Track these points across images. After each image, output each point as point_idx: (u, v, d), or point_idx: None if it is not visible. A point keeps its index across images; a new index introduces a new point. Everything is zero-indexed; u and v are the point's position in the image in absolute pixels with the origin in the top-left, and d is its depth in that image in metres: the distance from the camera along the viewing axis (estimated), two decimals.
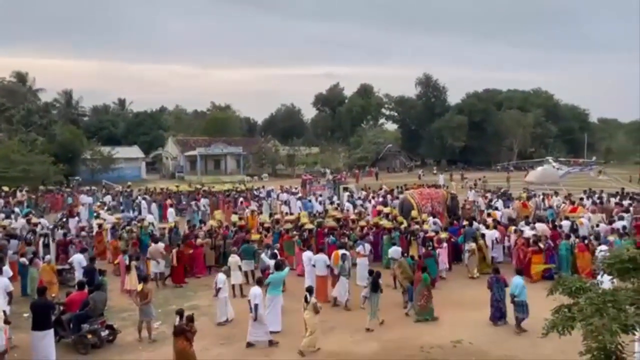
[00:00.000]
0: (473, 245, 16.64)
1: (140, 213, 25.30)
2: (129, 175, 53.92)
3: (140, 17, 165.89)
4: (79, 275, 14.60)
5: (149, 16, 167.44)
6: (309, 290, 11.37)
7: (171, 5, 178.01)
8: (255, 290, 11.31)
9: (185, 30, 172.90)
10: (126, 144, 63.21)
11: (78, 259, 15.37)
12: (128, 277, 14.70)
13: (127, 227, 19.18)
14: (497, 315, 12.45)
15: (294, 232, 18.10)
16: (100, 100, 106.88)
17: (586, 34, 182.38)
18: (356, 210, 24.48)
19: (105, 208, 26.16)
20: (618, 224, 18.75)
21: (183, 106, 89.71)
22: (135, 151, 60.18)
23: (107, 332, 11.47)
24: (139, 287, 12.00)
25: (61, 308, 11.55)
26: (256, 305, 11.09)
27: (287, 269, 13.83)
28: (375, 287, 12.30)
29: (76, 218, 22.94)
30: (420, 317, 12.75)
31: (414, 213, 20.64)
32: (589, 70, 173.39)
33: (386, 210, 22.77)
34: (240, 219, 21.23)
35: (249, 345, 11.32)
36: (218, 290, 12.66)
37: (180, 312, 10.03)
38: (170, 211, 26.12)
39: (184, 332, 9.38)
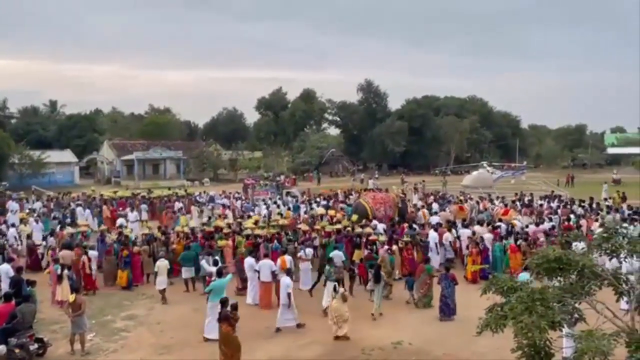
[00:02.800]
0: (394, 247, 16.93)
1: (73, 221, 24.13)
2: (61, 181, 51.52)
3: (73, 14, 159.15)
4: (5, 286, 13.74)
5: (82, 14, 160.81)
6: (338, 281, 12.53)
7: (105, 3, 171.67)
8: (286, 280, 12.55)
9: (121, 30, 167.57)
10: (58, 148, 60.20)
11: (4, 270, 14.42)
12: (59, 288, 13.97)
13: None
14: (445, 311, 13.21)
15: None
16: (29, 101, 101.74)
17: (516, 43, 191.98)
18: (305, 215, 24.41)
19: (35, 215, 24.78)
20: (547, 225, 19.81)
21: (120, 109, 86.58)
22: (67, 155, 57.39)
23: (36, 345, 10.87)
24: (71, 297, 11.46)
25: None
26: (289, 294, 12.36)
27: (229, 276, 13.65)
28: (377, 278, 13.38)
29: (2, 226, 21.62)
30: (421, 304, 13.94)
31: (354, 217, 20.96)
32: (520, 78, 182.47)
33: (332, 213, 23.02)
34: (204, 224, 21.09)
35: (278, 330, 12.42)
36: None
37: (223, 301, 10.70)
38: (135, 215, 25.31)
39: (228, 318, 10.33)
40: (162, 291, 14.85)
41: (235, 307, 10.64)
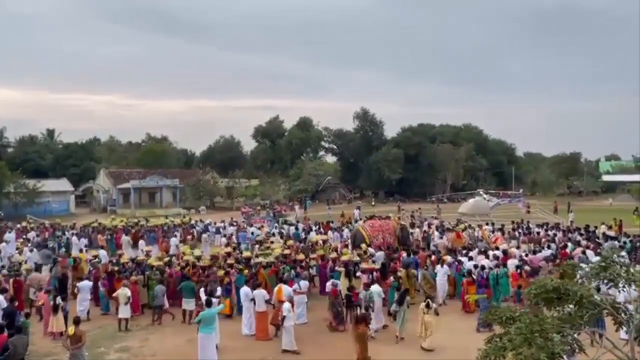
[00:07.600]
0: (391, 279, 16.56)
1: (67, 250, 23.96)
2: (57, 210, 51.33)
3: (72, 45, 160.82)
4: None
5: (80, 44, 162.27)
6: (431, 297, 13.82)
7: (104, 35, 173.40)
8: (376, 288, 14.43)
9: (119, 60, 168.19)
10: (54, 177, 60.17)
11: None
12: (54, 319, 13.74)
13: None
14: (481, 324, 14.00)
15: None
16: (27, 130, 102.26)
17: (508, 72, 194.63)
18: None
19: (29, 245, 24.58)
20: (546, 253, 19.75)
21: (117, 137, 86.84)
22: (63, 184, 57.26)
23: None
24: (71, 329, 11.22)
25: None
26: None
27: (221, 306, 13.46)
28: (401, 301, 13.71)
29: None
30: None
31: (363, 246, 20.78)
32: (514, 106, 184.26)
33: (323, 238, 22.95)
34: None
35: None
36: (283, 318, 12.72)
37: (358, 305, 12.84)
38: (174, 241, 25.80)
39: (366, 318, 11.41)
40: (125, 320, 14.93)
41: (367, 308, 12.59)
